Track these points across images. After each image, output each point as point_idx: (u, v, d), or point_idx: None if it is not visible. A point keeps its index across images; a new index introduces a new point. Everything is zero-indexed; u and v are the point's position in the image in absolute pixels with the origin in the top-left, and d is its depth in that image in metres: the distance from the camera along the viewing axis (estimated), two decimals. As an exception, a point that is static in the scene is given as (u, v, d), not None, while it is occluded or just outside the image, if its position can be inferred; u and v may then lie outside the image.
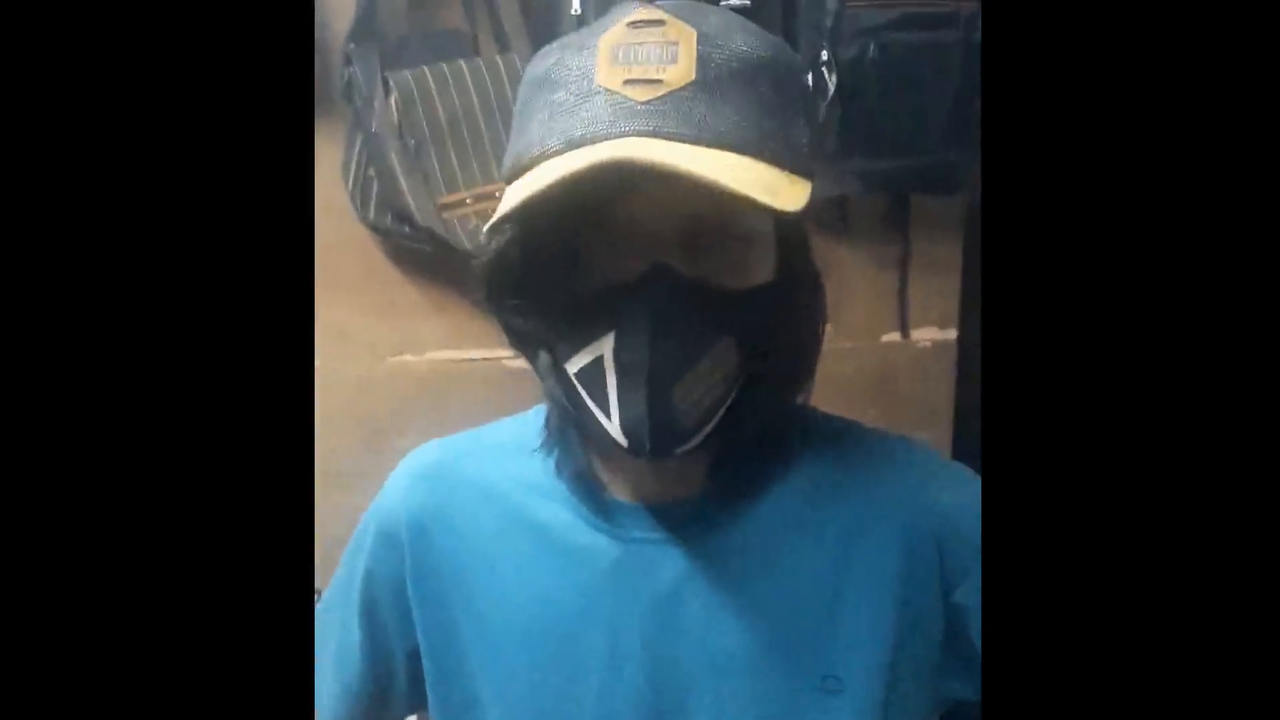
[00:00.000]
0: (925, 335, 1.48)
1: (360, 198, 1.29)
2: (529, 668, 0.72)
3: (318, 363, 1.35)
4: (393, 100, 1.24)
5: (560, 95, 0.63)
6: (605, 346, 0.63)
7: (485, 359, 1.36)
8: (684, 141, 0.59)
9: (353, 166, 1.28)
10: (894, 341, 1.47)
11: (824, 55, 1.32)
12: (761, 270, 0.66)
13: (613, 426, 0.65)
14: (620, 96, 0.61)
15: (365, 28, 1.26)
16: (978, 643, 0.70)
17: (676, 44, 0.61)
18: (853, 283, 1.45)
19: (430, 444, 0.82)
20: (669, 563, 0.70)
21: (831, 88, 1.31)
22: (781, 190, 0.61)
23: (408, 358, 1.38)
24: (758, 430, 0.70)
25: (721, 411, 0.67)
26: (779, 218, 0.64)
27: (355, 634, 0.80)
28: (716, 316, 0.64)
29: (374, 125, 1.24)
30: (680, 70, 0.61)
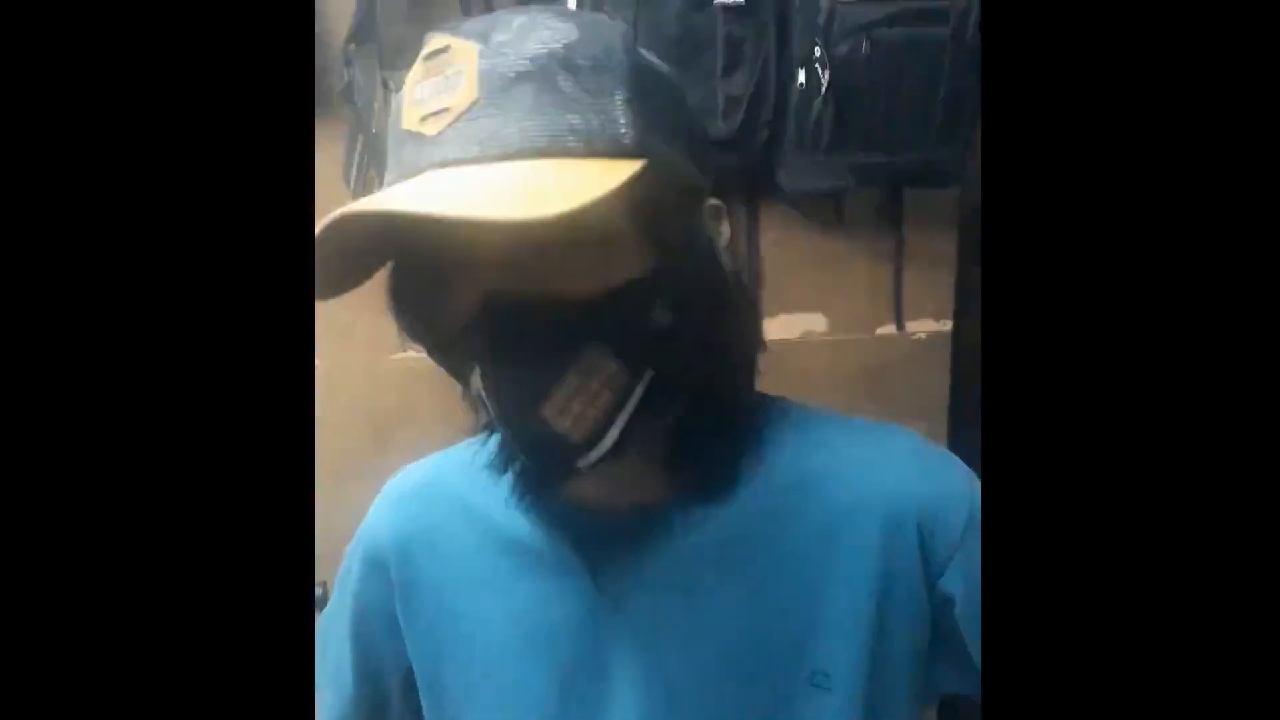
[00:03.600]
0: (920, 327, 1.50)
1: (362, 197, 1.31)
2: (515, 684, 0.72)
3: (322, 361, 1.37)
4: (393, 101, 1.26)
5: (390, 145, 0.64)
6: (475, 379, 0.63)
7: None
8: (473, 164, 0.57)
9: (354, 166, 1.30)
10: (889, 334, 1.49)
11: (817, 52, 1.34)
12: (623, 267, 0.62)
13: (513, 448, 0.65)
14: (417, 134, 0.60)
15: (365, 29, 1.28)
16: (964, 633, 0.70)
17: (462, 67, 0.60)
18: (848, 276, 1.47)
19: (410, 466, 0.82)
20: (646, 569, 0.70)
21: (825, 84, 1.33)
22: (588, 183, 0.55)
23: (411, 354, 1.40)
24: (693, 426, 0.69)
25: (623, 415, 0.63)
26: (639, 208, 0.60)
27: (348, 658, 0.80)
28: (569, 328, 0.61)
29: (374, 126, 1.26)
30: (463, 92, 0.59)
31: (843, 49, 1.34)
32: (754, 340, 0.72)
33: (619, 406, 0.63)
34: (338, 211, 0.55)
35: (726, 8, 1.31)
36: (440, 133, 0.59)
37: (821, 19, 1.33)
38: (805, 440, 0.74)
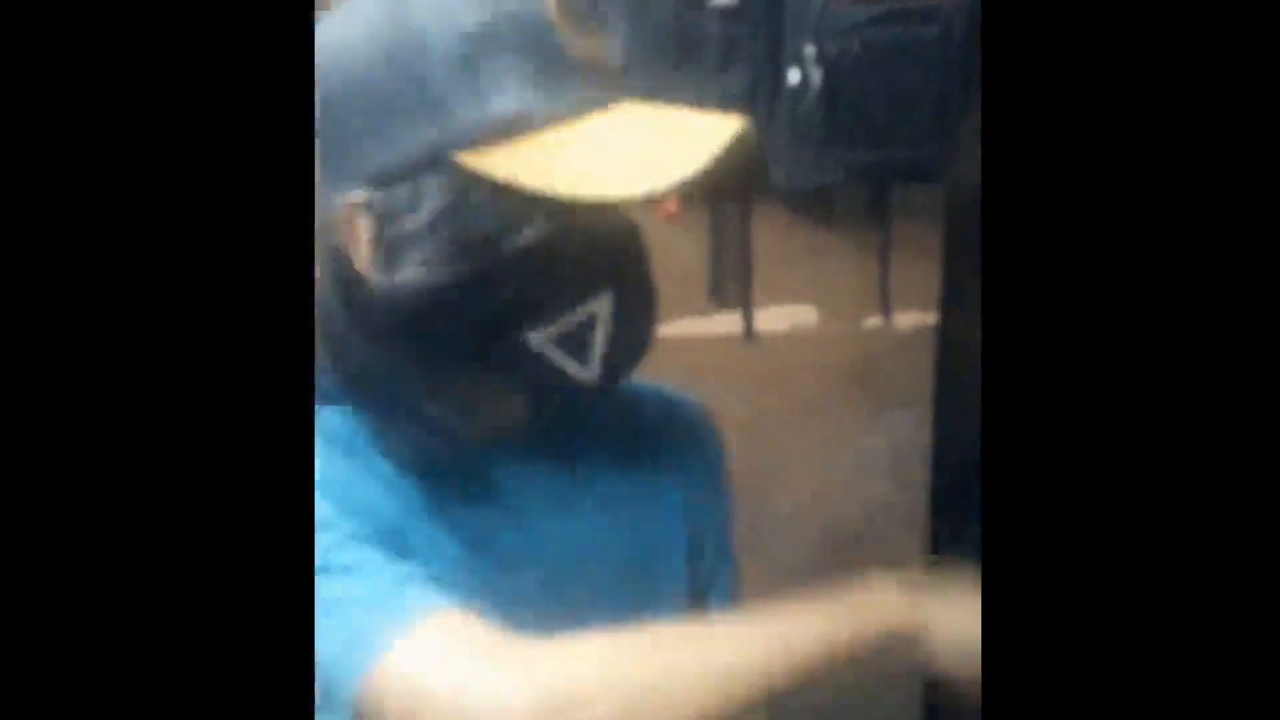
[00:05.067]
0: (907, 319, 1.54)
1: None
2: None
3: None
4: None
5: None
6: (602, 305, 0.68)
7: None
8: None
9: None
10: (877, 325, 1.54)
11: (810, 51, 1.37)
12: None
13: (589, 372, 0.69)
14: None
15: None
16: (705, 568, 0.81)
17: None
18: (838, 269, 1.51)
19: None
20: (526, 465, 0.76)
21: (817, 82, 1.37)
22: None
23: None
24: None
25: None
26: None
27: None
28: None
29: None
30: None
31: (834, 48, 1.38)
32: None
33: None
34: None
35: (721, 8, 1.35)
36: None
37: (813, 19, 1.37)
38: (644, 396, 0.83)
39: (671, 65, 1.33)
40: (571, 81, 0.64)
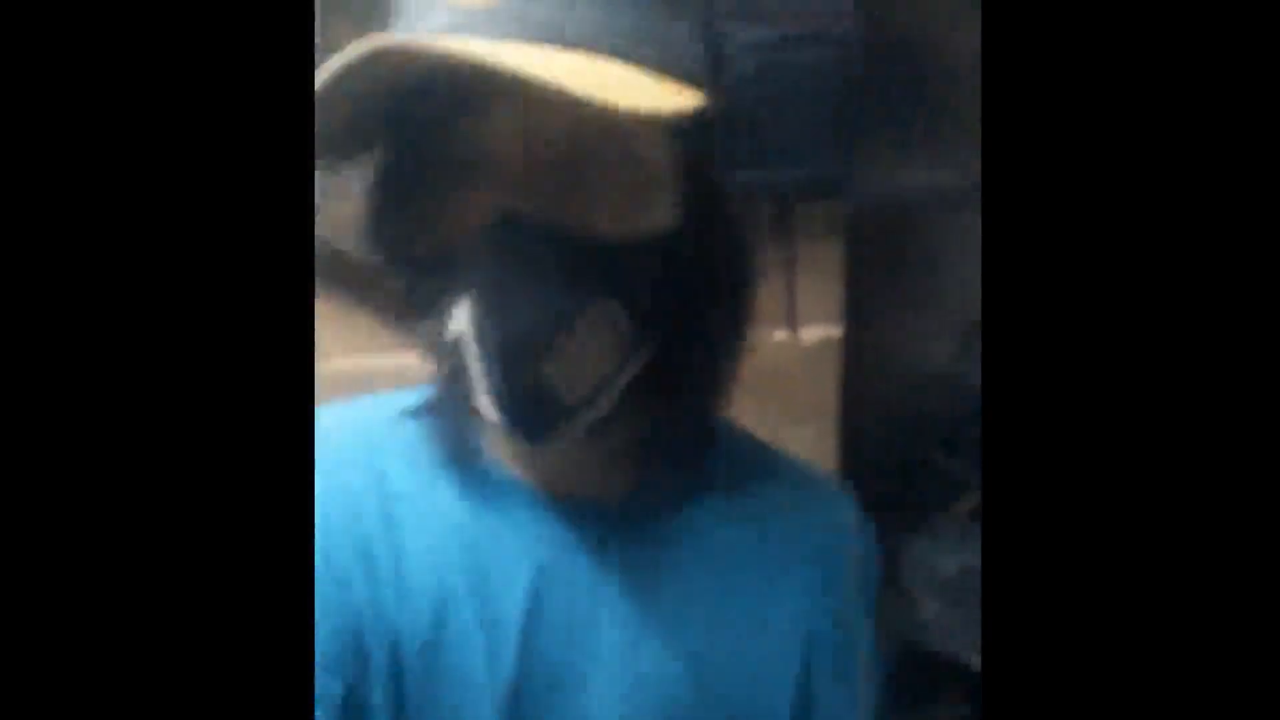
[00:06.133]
0: (813, 333, 1.57)
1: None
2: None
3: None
4: None
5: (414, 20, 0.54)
6: (462, 311, 0.54)
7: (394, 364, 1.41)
8: (533, 45, 0.50)
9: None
10: (783, 339, 1.56)
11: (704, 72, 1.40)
12: (655, 214, 0.55)
13: (484, 402, 0.55)
14: (454, 5, 0.51)
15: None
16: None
17: None
18: (744, 285, 1.53)
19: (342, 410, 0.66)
20: (579, 571, 0.60)
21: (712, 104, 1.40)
22: (666, 96, 0.51)
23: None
24: (671, 426, 0.61)
25: (615, 391, 0.56)
26: (683, 149, 0.54)
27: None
28: (588, 273, 0.53)
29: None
30: None
31: (730, 70, 1.41)
32: (745, 339, 0.63)
33: (611, 380, 0.56)
34: (380, 40, 0.47)
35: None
36: (488, 8, 0.50)
37: (707, 40, 1.40)
38: (747, 469, 0.68)
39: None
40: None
